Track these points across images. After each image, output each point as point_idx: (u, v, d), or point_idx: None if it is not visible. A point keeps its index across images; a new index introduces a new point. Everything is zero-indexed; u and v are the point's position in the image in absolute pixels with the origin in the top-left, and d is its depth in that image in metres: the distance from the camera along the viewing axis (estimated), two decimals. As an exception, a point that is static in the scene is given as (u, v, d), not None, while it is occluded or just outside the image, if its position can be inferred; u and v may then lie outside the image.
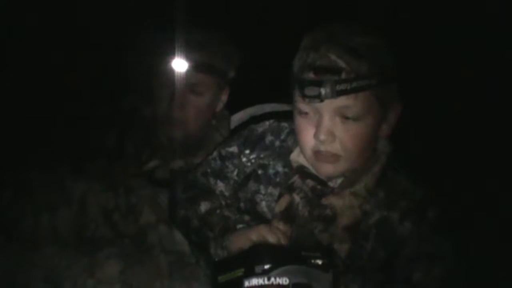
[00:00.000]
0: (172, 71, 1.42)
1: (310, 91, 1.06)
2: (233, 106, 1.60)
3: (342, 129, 1.08)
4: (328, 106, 1.07)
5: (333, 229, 1.12)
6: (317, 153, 1.11)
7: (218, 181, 1.25)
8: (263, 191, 1.20)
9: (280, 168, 1.21)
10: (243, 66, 1.53)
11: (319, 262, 0.99)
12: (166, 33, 1.41)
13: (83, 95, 1.78)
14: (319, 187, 1.15)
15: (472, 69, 1.99)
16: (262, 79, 1.93)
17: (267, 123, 1.26)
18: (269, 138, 1.24)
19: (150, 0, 1.87)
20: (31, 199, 1.37)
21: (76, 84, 1.90)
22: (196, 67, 1.43)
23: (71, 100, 1.77)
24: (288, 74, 1.14)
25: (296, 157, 1.19)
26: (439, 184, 1.24)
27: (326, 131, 1.08)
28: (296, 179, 1.17)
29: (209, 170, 1.26)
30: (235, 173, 1.24)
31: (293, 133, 1.20)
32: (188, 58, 1.41)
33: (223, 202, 1.24)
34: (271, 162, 1.21)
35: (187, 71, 1.42)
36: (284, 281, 0.97)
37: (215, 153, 1.27)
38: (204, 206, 1.19)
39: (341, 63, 1.04)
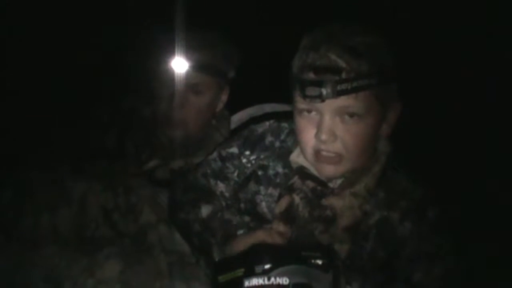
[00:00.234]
0: (172, 71, 1.42)
1: (311, 91, 1.06)
2: (233, 106, 1.60)
3: (342, 128, 1.08)
4: (329, 106, 1.07)
5: (333, 229, 1.12)
6: (318, 153, 1.11)
7: (219, 182, 1.25)
8: (263, 192, 1.20)
9: (280, 169, 1.21)
10: (243, 66, 1.53)
11: (319, 262, 0.99)
12: (166, 33, 1.41)
13: (83, 95, 1.79)
14: (319, 187, 1.15)
15: (472, 69, 1.99)
16: (262, 79, 1.93)
17: (267, 123, 1.26)
18: (269, 138, 1.24)
19: (150, 0, 1.87)
20: (31, 199, 1.37)
21: (76, 84, 1.90)
22: (196, 67, 1.43)
23: (71, 100, 1.77)
24: (288, 74, 1.14)
25: (296, 157, 1.18)
26: (439, 184, 1.24)
27: (327, 131, 1.08)
28: (296, 180, 1.17)
29: (209, 171, 1.26)
30: (235, 174, 1.24)
31: (293, 133, 1.19)
32: (188, 58, 1.41)
33: (224, 203, 1.24)
34: (271, 163, 1.21)
35: (187, 71, 1.42)
36: (284, 281, 0.97)
37: (215, 154, 1.27)
38: (205, 210, 1.19)
39: (341, 63, 1.04)
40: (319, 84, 1.05)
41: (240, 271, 1.00)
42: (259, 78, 1.91)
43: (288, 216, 1.15)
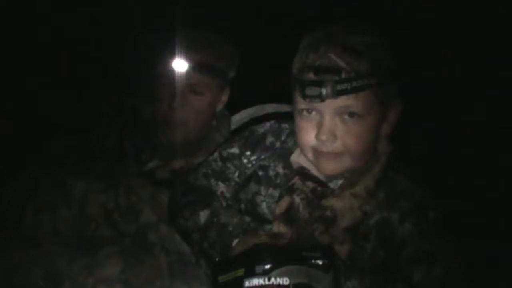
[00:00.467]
0: (172, 71, 1.42)
1: (311, 91, 1.06)
2: (233, 106, 1.60)
3: (343, 128, 1.09)
4: (329, 106, 1.07)
5: (334, 230, 1.12)
6: (318, 153, 1.11)
7: (219, 182, 1.25)
8: (263, 193, 1.20)
9: (280, 170, 1.20)
10: (243, 66, 1.53)
11: (320, 262, 0.99)
12: (166, 33, 1.41)
13: (84, 95, 1.79)
14: (319, 188, 1.15)
15: (472, 69, 1.99)
16: (262, 79, 1.93)
17: (267, 124, 1.25)
18: (269, 139, 1.23)
19: (150, 0, 1.87)
20: (31, 199, 1.37)
21: (76, 84, 1.90)
22: (196, 68, 1.43)
23: (72, 100, 1.77)
24: (287, 74, 1.14)
25: (296, 158, 1.18)
26: (439, 185, 1.24)
27: (327, 131, 1.08)
28: (296, 180, 1.17)
29: (210, 171, 1.26)
30: (236, 174, 1.24)
31: (294, 134, 1.19)
32: (188, 58, 1.41)
33: (224, 204, 1.24)
34: (271, 164, 1.21)
35: (187, 72, 1.42)
36: (285, 281, 0.97)
37: (216, 154, 1.27)
38: (203, 216, 1.18)
39: (341, 63, 1.05)
40: (319, 84, 1.05)
41: (240, 271, 1.00)
42: (259, 78, 1.91)
43: (288, 216, 1.15)
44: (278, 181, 1.20)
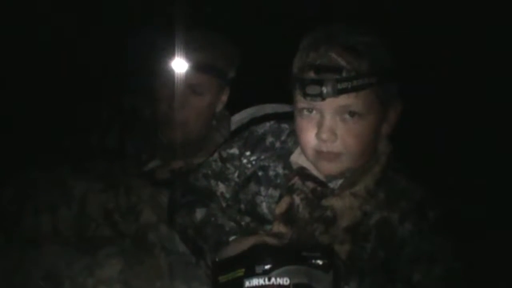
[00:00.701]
0: (172, 71, 1.42)
1: (311, 90, 1.06)
2: (233, 107, 1.60)
3: (343, 128, 1.09)
4: (329, 105, 1.07)
5: (334, 230, 1.12)
6: (319, 152, 1.11)
7: (219, 183, 1.25)
8: (263, 193, 1.20)
9: (280, 170, 1.20)
10: (243, 66, 1.53)
11: (320, 262, 0.99)
12: (166, 34, 1.41)
13: (84, 95, 1.79)
14: (319, 188, 1.15)
15: (472, 68, 1.99)
16: (262, 79, 1.93)
17: (267, 124, 1.26)
18: (269, 139, 1.24)
19: (151, 0, 1.87)
20: (31, 199, 1.37)
21: (77, 84, 1.90)
22: (196, 68, 1.43)
23: (72, 100, 1.77)
24: (288, 74, 1.14)
25: (296, 158, 1.19)
26: (439, 184, 1.24)
27: (328, 130, 1.08)
28: (296, 180, 1.17)
29: (210, 172, 1.26)
30: (235, 174, 1.24)
31: (294, 134, 1.20)
32: (188, 58, 1.41)
33: (224, 204, 1.24)
34: (271, 164, 1.21)
35: (187, 72, 1.42)
36: (285, 281, 0.97)
37: (216, 155, 1.27)
38: (199, 214, 1.19)
39: (342, 62, 1.05)
40: (320, 83, 1.05)
41: (240, 271, 1.00)
42: (259, 78, 1.91)
43: (288, 217, 1.15)
44: (278, 181, 1.20)
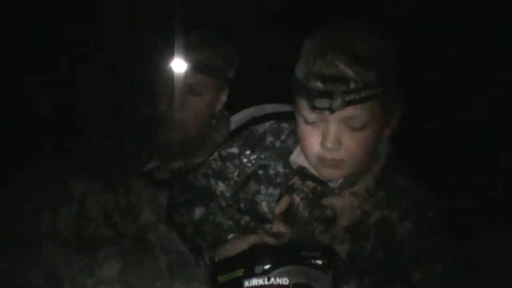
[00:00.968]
0: (171, 71, 1.42)
1: (320, 103, 1.04)
2: (233, 107, 1.60)
3: (348, 137, 1.08)
4: (336, 116, 1.05)
5: (334, 229, 1.12)
6: (322, 159, 1.10)
7: (219, 182, 1.25)
8: (263, 192, 1.20)
9: (280, 169, 1.20)
10: (243, 66, 1.53)
11: (319, 262, 0.99)
12: (166, 34, 1.41)
13: (83, 95, 1.79)
14: (319, 188, 1.15)
15: (472, 69, 1.99)
16: (262, 79, 1.93)
17: (267, 123, 1.25)
18: (269, 139, 1.23)
19: (150, 0, 1.87)
20: (31, 199, 1.37)
21: (77, 84, 1.91)
22: (195, 68, 1.42)
23: (72, 100, 1.77)
24: (287, 74, 1.13)
25: (296, 158, 1.19)
26: (439, 184, 1.24)
27: (333, 139, 1.07)
28: (296, 180, 1.17)
29: (209, 171, 1.26)
30: (235, 173, 1.24)
31: (294, 133, 1.19)
32: (187, 58, 1.41)
33: (223, 203, 1.24)
34: (271, 163, 1.21)
35: (187, 72, 1.42)
36: (284, 281, 0.97)
37: (215, 154, 1.27)
38: (198, 212, 1.19)
39: (350, 73, 1.03)
40: (329, 95, 1.03)
41: (240, 272, 1.00)
42: (259, 78, 1.91)
43: (288, 216, 1.15)
44: (278, 180, 1.20)
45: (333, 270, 1.00)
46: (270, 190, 1.20)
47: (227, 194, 1.25)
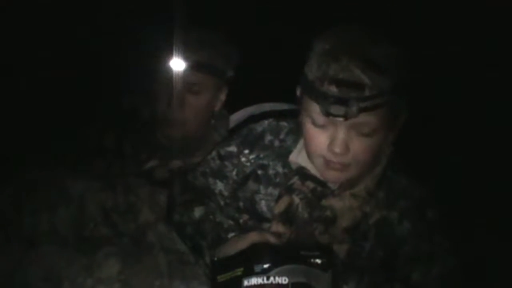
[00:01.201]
0: (170, 71, 1.42)
1: (335, 110, 1.02)
2: (232, 106, 1.60)
3: (356, 142, 1.06)
4: (347, 121, 1.03)
5: (333, 230, 1.12)
6: (328, 161, 1.09)
7: (217, 181, 1.25)
8: (262, 192, 1.20)
9: (280, 169, 1.20)
10: (242, 65, 1.53)
11: (318, 261, 0.99)
12: (165, 33, 1.41)
13: (82, 95, 1.79)
14: (319, 188, 1.15)
15: (472, 69, 1.99)
16: (262, 79, 1.93)
17: (266, 122, 1.24)
18: (268, 137, 1.23)
19: (150, 0, 1.87)
20: (30, 198, 1.37)
21: (75, 84, 1.91)
22: (194, 67, 1.42)
23: (71, 100, 1.77)
24: (286, 74, 1.13)
25: (295, 158, 1.18)
26: (439, 184, 1.24)
27: (342, 144, 1.06)
28: (295, 180, 1.16)
29: (208, 170, 1.26)
30: (234, 172, 1.24)
31: (293, 132, 1.19)
32: (186, 58, 1.41)
33: (222, 202, 1.24)
34: (270, 163, 1.21)
35: (186, 71, 1.42)
36: (284, 280, 0.97)
37: (214, 153, 1.27)
38: (198, 212, 1.19)
39: (365, 79, 1.01)
40: (345, 102, 1.01)
41: (239, 271, 1.00)
42: (259, 78, 1.91)
43: (288, 216, 1.15)
44: (277, 180, 1.19)
45: (332, 270, 1.00)
46: (270, 190, 1.19)
47: (226, 193, 1.24)
